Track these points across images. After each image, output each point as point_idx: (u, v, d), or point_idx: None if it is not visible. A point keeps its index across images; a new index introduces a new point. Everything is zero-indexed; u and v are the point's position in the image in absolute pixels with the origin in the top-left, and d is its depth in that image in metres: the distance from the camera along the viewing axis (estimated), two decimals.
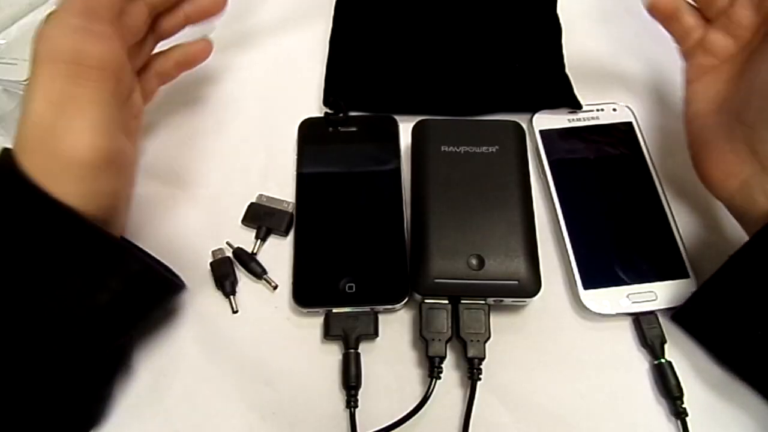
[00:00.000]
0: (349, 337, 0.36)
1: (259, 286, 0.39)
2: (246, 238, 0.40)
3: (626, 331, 0.37)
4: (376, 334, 0.37)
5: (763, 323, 0.32)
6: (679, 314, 0.36)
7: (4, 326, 0.30)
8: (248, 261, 0.39)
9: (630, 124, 0.43)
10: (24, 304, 0.30)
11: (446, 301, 0.35)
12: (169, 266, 0.35)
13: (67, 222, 0.30)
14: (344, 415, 0.35)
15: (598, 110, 0.44)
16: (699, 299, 0.35)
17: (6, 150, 0.31)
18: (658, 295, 0.37)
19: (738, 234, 0.36)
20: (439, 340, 0.35)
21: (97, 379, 0.34)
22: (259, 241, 0.40)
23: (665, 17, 0.38)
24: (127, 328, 0.33)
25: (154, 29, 0.39)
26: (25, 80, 0.38)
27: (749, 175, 0.33)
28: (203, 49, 0.41)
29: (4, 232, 0.30)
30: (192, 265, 0.39)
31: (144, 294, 0.33)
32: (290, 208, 0.41)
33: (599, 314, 0.36)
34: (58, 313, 0.30)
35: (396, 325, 0.38)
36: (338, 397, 0.36)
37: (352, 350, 0.36)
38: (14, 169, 0.30)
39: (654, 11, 0.38)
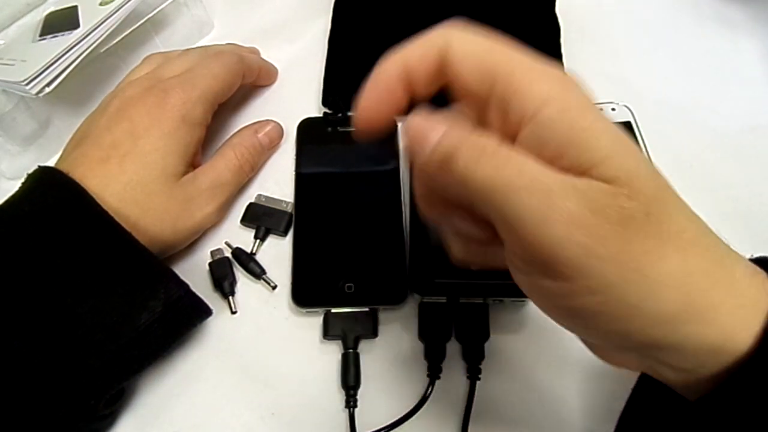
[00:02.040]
0: (348, 337, 0.36)
1: (258, 287, 0.39)
2: (245, 238, 0.40)
3: None
4: (375, 334, 0.37)
5: None
6: None
7: (45, 333, 0.30)
8: (247, 261, 0.39)
9: (629, 123, 0.43)
10: (71, 314, 0.30)
11: (445, 301, 0.35)
12: (198, 295, 0.35)
13: (120, 242, 0.32)
14: (343, 415, 0.35)
15: None
16: None
17: (57, 168, 0.34)
18: None
19: (738, 233, 0.36)
20: (439, 339, 0.35)
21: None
22: (258, 241, 0.40)
23: None
24: (160, 350, 0.33)
25: None
26: (23, 80, 0.38)
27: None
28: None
29: (62, 243, 0.31)
30: (190, 266, 0.39)
31: (179, 318, 0.34)
32: (289, 208, 0.41)
33: None
34: (100, 328, 0.31)
35: (395, 325, 0.37)
36: (337, 397, 0.36)
37: (351, 350, 0.36)
38: (78, 187, 0.33)
39: None
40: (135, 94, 0.37)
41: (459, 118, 0.24)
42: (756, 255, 0.24)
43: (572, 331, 0.24)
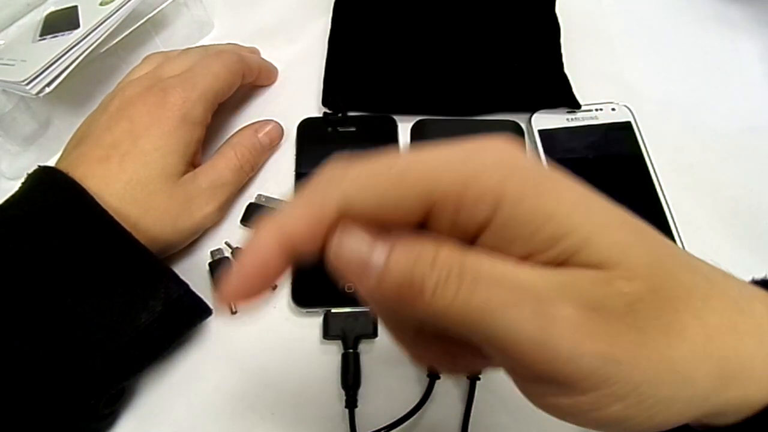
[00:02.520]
0: (348, 337, 0.36)
1: None
2: (245, 238, 0.40)
3: None
4: (375, 334, 0.37)
5: None
6: None
7: (45, 333, 0.30)
8: None
9: (629, 123, 0.43)
10: (71, 314, 0.31)
11: None
12: (198, 295, 0.35)
13: (120, 242, 0.32)
14: (343, 415, 0.35)
15: (596, 110, 0.44)
16: None
17: (56, 167, 0.34)
18: None
19: (738, 233, 0.36)
20: None
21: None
22: None
23: None
24: (160, 350, 0.33)
25: None
26: (23, 80, 0.38)
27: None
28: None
29: (61, 243, 0.32)
30: (190, 266, 0.39)
31: (179, 318, 0.34)
32: None
33: None
34: (100, 328, 0.31)
35: None
36: (337, 397, 0.36)
37: (351, 350, 0.36)
38: (78, 187, 0.33)
39: None
40: (135, 94, 0.37)
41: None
42: (756, 274, 0.22)
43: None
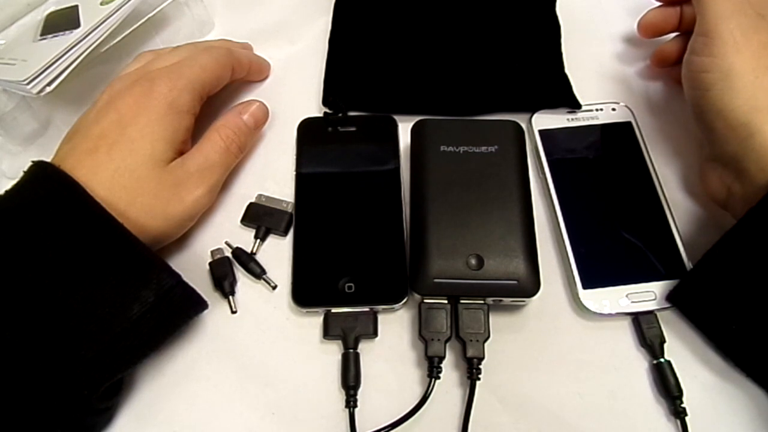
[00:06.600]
0: (349, 337, 0.36)
1: (258, 286, 0.39)
2: (245, 238, 0.40)
3: (625, 331, 0.37)
4: (375, 333, 0.37)
5: (751, 304, 0.33)
6: (673, 295, 0.36)
7: (37, 324, 0.30)
8: (247, 261, 0.39)
9: (629, 123, 0.43)
10: (62, 305, 0.30)
11: (445, 301, 0.35)
12: (192, 286, 0.35)
13: (109, 231, 0.32)
14: (344, 414, 0.35)
15: (597, 110, 0.44)
16: (692, 279, 0.35)
17: (50, 161, 0.35)
18: (658, 294, 0.37)
19: None
20: (439, 339, 0.35)
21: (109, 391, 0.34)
22: (258, 241, 0.40)
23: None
24: (154, 342, 0.33)
25: None
26: (24, 80, 0.38)
27: (730, 183, 0.37)
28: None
29: (52, 234, 0.32)
30: (191, 265, 0.39)
31: (172, 309, 0.33)
32: (289, 208, 0.41)
33: (598, 314, 0.36)
34: (92, 319, 0.31)
35: (395, 325, 0.38)
36: (337, 397, 0.36)
37: (351, 350, 0.36)
38: (68, 178, 0.33)
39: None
40: (123, 87, 0.37)
41: None
42: None
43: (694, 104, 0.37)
